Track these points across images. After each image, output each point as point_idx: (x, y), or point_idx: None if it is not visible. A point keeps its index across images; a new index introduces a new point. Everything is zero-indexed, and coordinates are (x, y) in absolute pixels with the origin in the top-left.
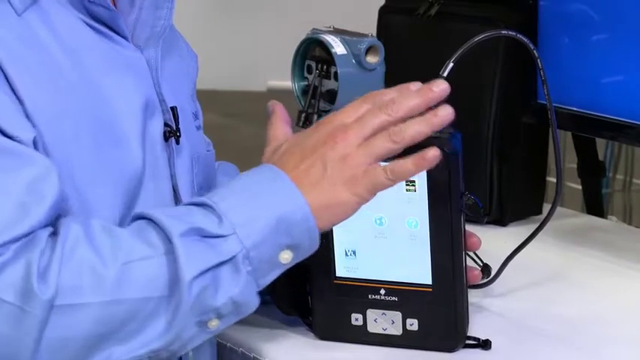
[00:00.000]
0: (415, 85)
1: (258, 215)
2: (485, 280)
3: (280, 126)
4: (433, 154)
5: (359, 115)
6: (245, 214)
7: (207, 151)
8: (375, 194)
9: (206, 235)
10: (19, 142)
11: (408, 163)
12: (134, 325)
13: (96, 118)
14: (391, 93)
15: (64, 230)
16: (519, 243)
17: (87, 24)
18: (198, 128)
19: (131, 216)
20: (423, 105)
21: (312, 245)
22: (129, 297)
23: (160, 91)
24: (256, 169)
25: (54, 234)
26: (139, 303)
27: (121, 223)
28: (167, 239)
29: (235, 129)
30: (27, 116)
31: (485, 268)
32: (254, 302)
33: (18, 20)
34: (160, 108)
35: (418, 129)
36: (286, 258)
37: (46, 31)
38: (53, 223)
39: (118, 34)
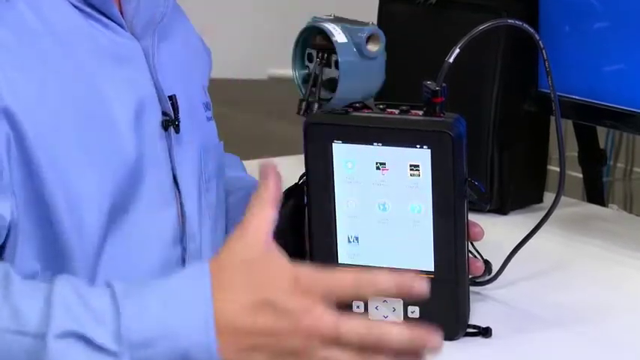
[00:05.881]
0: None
1: (161, 341)
2: (487, 278)
3: (262, 211)
4: None
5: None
6: (146, 333)
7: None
8: None
9: (91, 343)
10: None
11: None
12: None
13: (82, 107)
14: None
15: None
16: (520, 232)
17: (79, 9)
18: (209, 119)
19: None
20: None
21: None
22: None
23: (157, 80)
24: (194, 279)
25: None
26: None
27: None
28: (45, 326)
29: (236, 117)
30: (4, 108)
31: (487, 265)
32: None
33: (4, 4)
34: (157, 97)
35: None
36: None
37: (34, 17)
38: None
39: (112, 20)
